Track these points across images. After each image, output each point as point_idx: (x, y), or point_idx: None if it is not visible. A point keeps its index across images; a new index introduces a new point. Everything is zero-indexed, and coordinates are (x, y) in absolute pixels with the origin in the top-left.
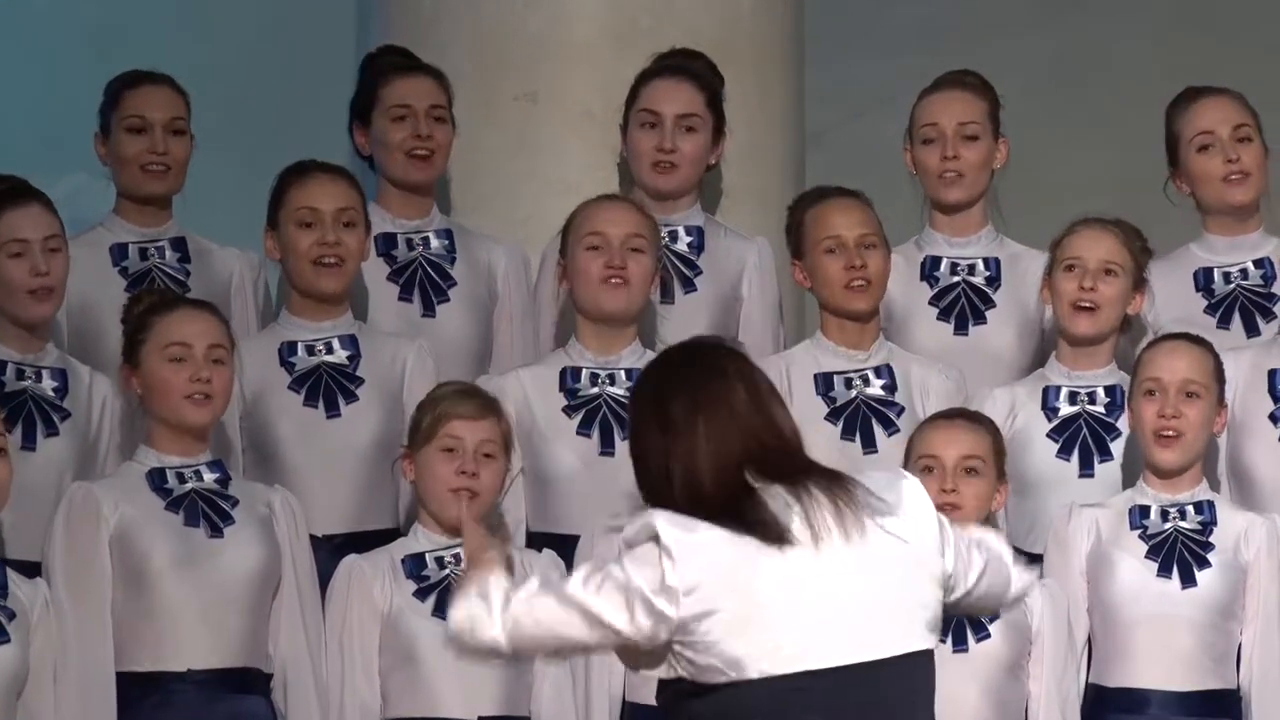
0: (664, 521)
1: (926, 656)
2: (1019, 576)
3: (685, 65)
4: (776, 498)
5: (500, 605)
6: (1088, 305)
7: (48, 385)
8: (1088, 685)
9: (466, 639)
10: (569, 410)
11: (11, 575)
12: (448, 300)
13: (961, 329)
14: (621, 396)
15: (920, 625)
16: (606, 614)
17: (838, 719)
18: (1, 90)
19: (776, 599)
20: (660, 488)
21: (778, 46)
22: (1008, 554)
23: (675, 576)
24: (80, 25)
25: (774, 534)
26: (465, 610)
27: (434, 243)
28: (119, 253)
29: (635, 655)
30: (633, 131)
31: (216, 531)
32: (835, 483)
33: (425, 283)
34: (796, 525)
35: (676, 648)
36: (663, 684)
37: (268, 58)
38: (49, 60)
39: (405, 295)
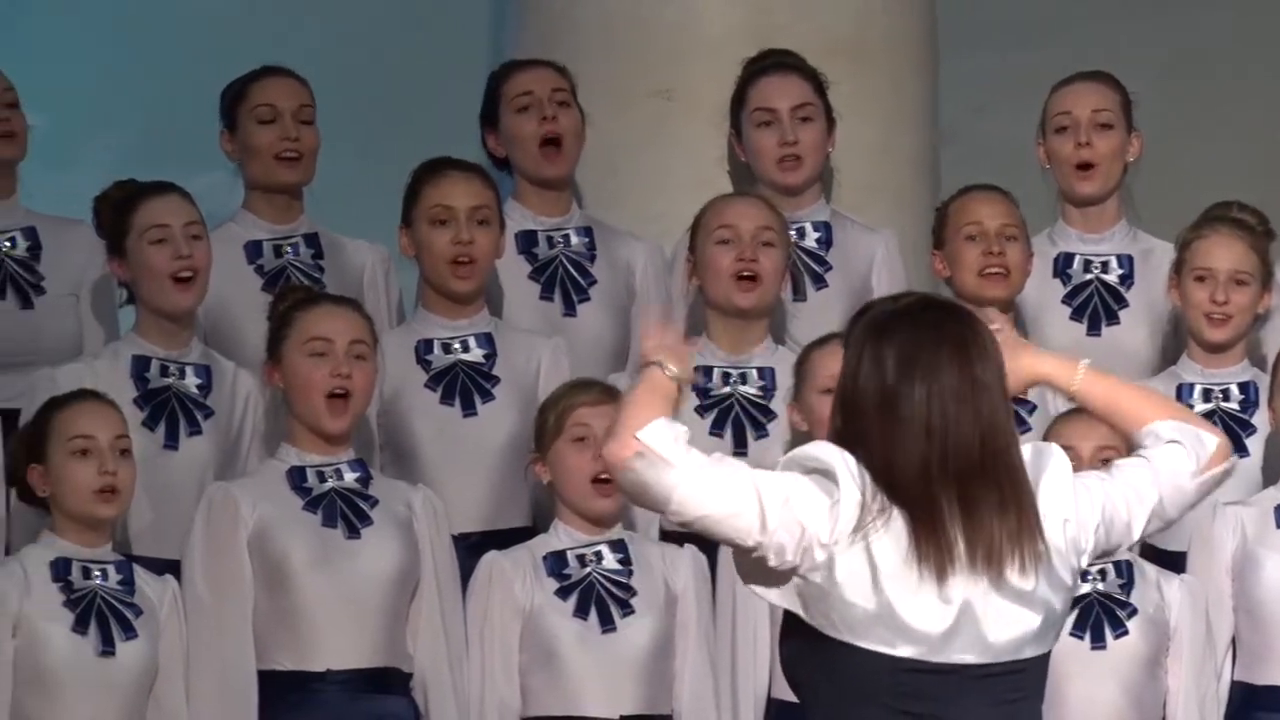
0: (843, 465)
1: (1043, 659)
2: (1199, 449)
3: (787, 59)
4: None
5: (684, 448)
6: (1220, 316)
7: (191, 382)
8: (1234, 683)
9: (646, 473)
10: (701, 410)
11: (139, 572)
12: (588, 299)
13: (1094, 329)
14: (753, 395)
15: (1047, 633)
16: (769, 508)
17: (945, 712)
18: (129, 90)
19: (910, 582)
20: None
21: (910, 41)
22: (1174, 451)
23: (837, 516)
24: (204, 24)
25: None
26: (653, 436)
27: (574, 240)
28: (254, 250)
29: (756, 567)
30: (750, 132)
31: (354, 532)
32: (1010, 498)
33: (566, 281)
34: (955, 537)
35: (801, 582)
36: (786, 615)
37: (402, 54)
38: (175, 59)
39: (546, 294)
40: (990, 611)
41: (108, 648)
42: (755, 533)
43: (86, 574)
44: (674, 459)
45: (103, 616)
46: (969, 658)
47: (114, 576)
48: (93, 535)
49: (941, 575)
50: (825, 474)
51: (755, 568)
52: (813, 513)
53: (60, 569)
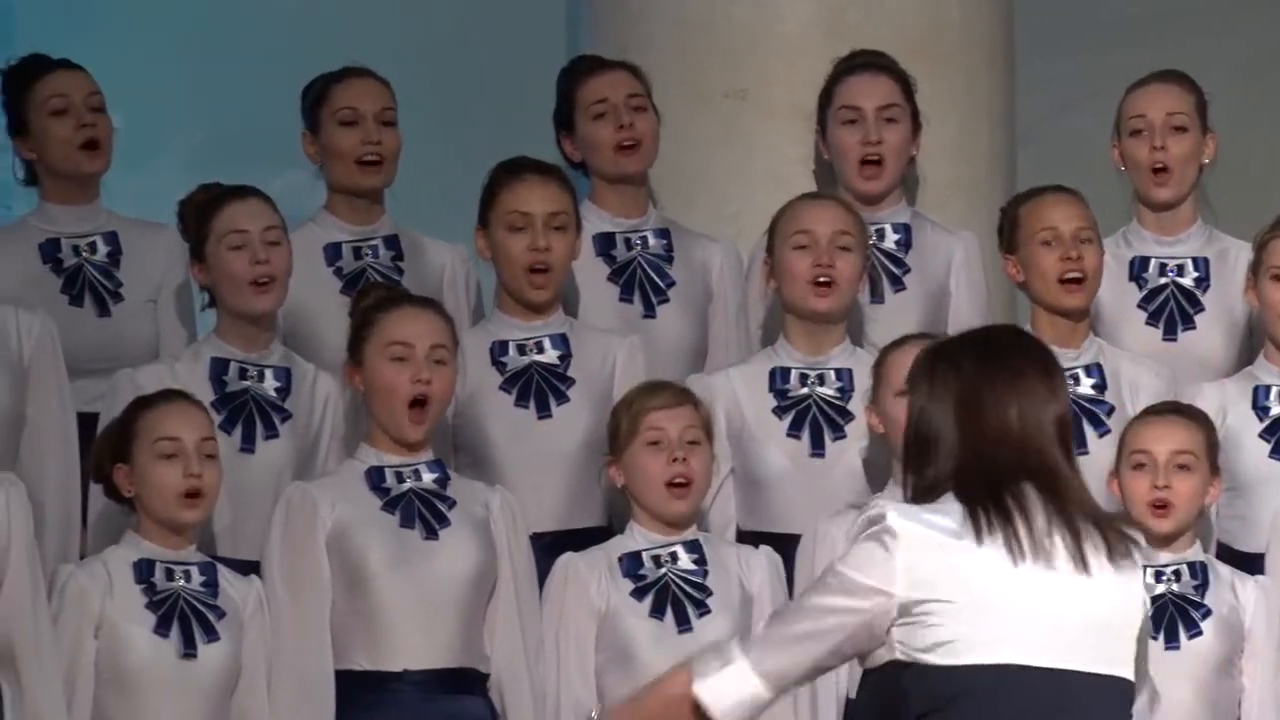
0: (893, 509)
1: (1128, 685)
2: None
3: (876, 60)
4: (1027, 505)
5: (739, 653)
6: None
7: (270, 385)
8: None
9: (713, 697)
10: (779, 411)
11: (223, 573)
12: (667, 300)
13: (1170, 334)
14: (831, 397)
15: (1126, 655)
16: (840, 613)
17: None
18: (208, 89)
19: (996, 592)
20: (925, 454)
21: (986, 40)
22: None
23: (900, 559)
24: (284, 23)
25: (1010, 543)
26: (710, 683)
27: (652, 242)
28: (333, 252)
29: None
30: (834, 130)
31: (431, 534)
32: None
33: (645, 283)
34: (1030, 538)
35: (893, 630)
36: (868, 671)
37: (477, 54)
38: (255, 57)
39: (626, 296)
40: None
41: (189, 650)
42: (847, 632)
43: (170, 575)
44: (731, 669)
45: (185, 619)
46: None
47: (197, 578)
48: (176, 537)
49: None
50: (877, 524)
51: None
52: (875, 572)
53: (143, 570)
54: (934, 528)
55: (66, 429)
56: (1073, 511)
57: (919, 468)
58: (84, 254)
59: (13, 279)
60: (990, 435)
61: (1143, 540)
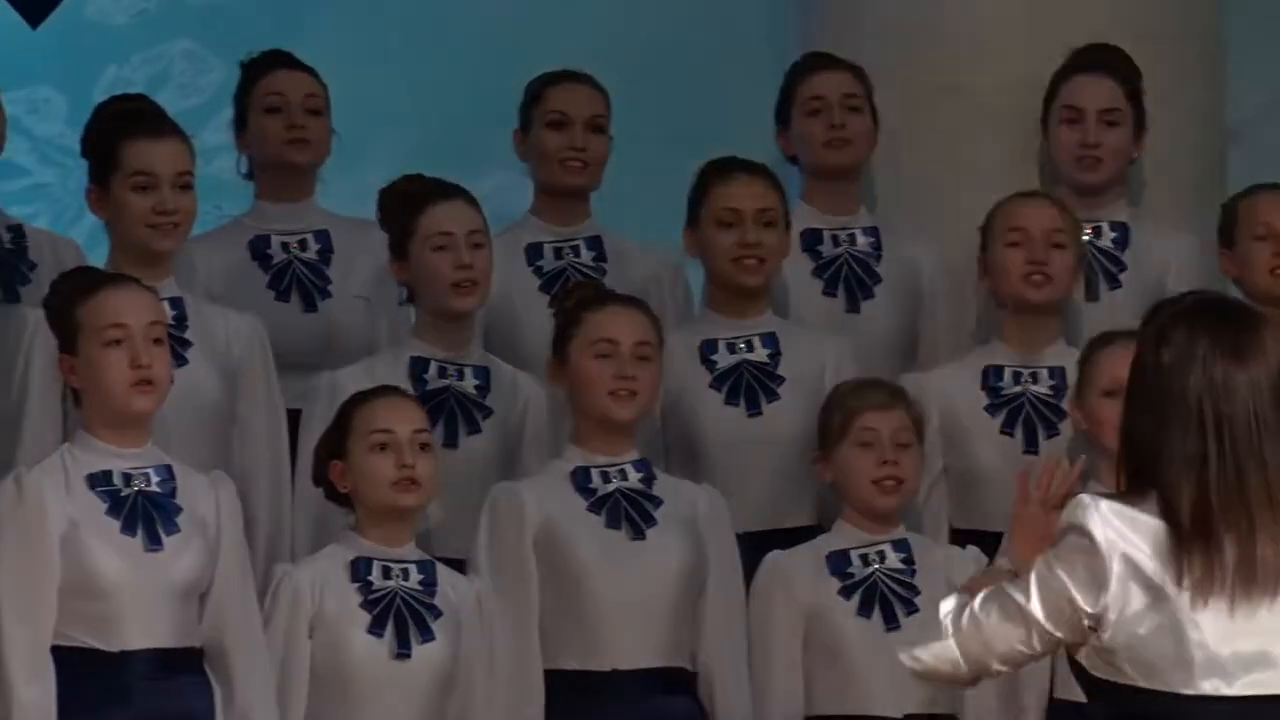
0: (1096, 516)
1: None
2: None
3: (1104, 59)
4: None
5: (950, 628)
6: None
7: (470, 384)
8: None
9: (927, 670)
10: (992, 409)
11: (442, 572)
12: (873, 297)
13: None
14: (1045, 395)
15: None
16: (1041, 614)
17: None
18: (419, 90)
19: (1193, 617)
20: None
21: (1196, 37)
22: None
23: (1102, 571)
24: (495, 25)
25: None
26: (922, 648)
27: (860, 240)
28: (534, 252)
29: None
30: (1054, 128)
31: (638, 533)
32: None
33: (851, 279)
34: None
35: (1093, 639)
36: (1077, 668)
37: (688, 52)
38: (465, 59)
39: (830, 291)
40: None
41: (403, 650)
42: (1049, 636)
43: (386, 574)
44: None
45: (401, 618)
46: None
47: (415, 576)
48: (394, 533)
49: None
50: (1078, 531)
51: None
52: (1077, 580)
53: (360, 569)
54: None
55: (276, 428)
56: None
57: None
58: (293, 251)
59: (220, 274)
60: None
61: None
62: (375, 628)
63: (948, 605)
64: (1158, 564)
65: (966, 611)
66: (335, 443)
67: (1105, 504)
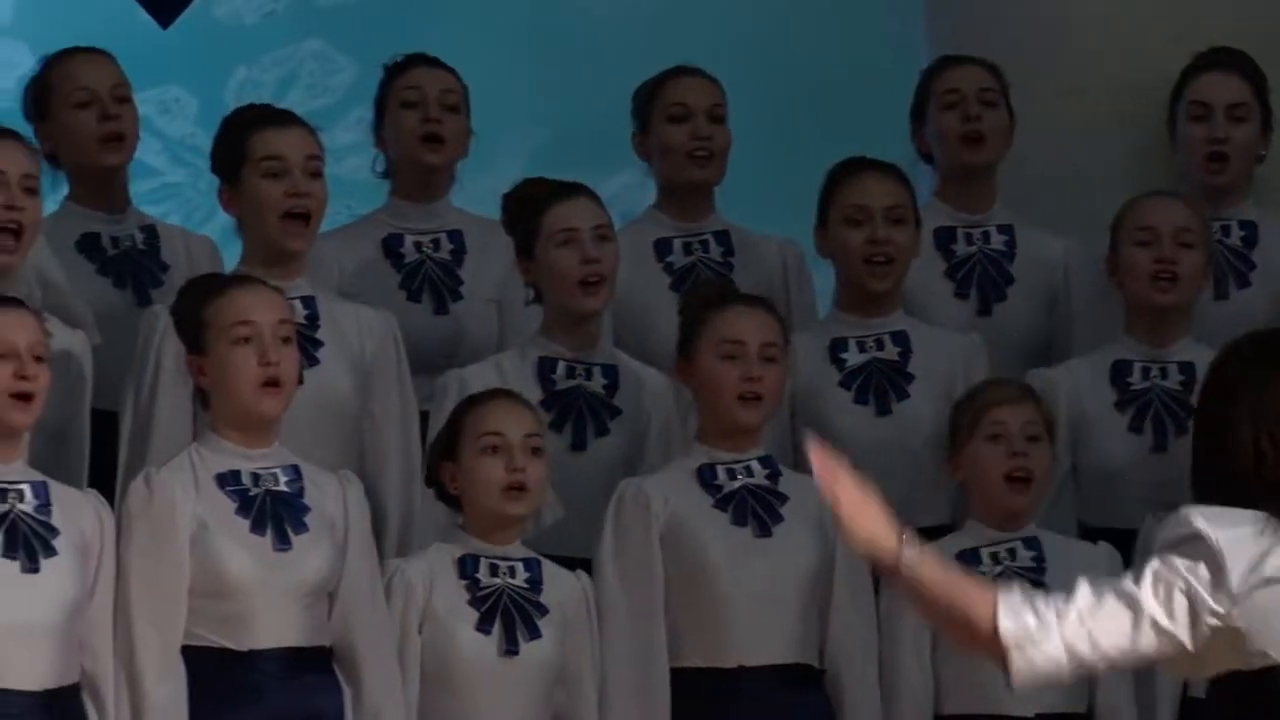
0: (1204, 519)
1: None
2: None
3: (1231, 58)
4: None
5: (1055, 620)
6: None
7: (598, 383)
8: None
9: (1024, 664)
10: (1120, 405)
11: (547, 569)
12: (1004, 298)
13: None
14: (1174, 390)
15: None
16: (1165, 619)
17: None
18: (545, 91)
19: None
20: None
21: None
22: None
23: (1226, 574)
24: (620, 25)
25: None
26: (1016, 624)
27: (994, 238)
28: (663, 247)
29: (1185, 663)
30: (1182, 125)
31: (764, 530)
32: None
33: (983, 279)
34: None
35: (1226, 645)
36: (1214, 682)
37: (815, 55)
38: (592, 59)
39: (962, 291)
40: None
41: (511, 647)
42: (1171, 642)
43: (494, 571)
44: (1046, 628)
45: (508, 615)
46: None
47: (522, 574)
48: (502, 533)
49: None
50: (1194, 537)
51: (1186, 665)
52: (1204, 586)
53: (468, 566)
54: (1245, 526)
55: (408, 427)
56: None
57: None
58: (426, 250)
59: (353, 271)
60: None
61: None
62: (483, 625)
63: (1054, 603)
64: (1267, 540)
65: (1073, 609)
66: (447, 444)
67: (1201, 508)
